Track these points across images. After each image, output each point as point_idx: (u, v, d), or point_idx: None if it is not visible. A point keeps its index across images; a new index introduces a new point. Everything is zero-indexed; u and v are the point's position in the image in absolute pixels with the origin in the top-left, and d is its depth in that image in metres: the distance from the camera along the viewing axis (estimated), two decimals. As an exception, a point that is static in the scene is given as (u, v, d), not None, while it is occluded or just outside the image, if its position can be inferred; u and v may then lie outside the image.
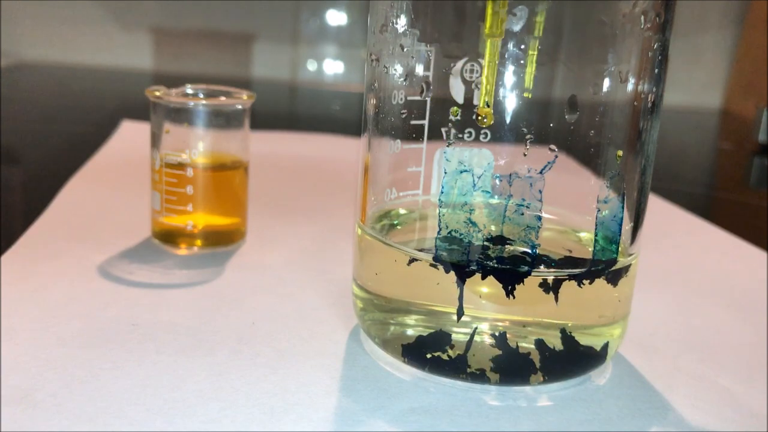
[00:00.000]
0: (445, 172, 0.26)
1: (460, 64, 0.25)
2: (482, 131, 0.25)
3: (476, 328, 0.26)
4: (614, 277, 0.26)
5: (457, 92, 0.25)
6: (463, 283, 0.25)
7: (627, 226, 0.27)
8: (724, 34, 1.21)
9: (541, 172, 0.25)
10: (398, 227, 0.29)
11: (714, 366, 0.29)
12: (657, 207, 0.55)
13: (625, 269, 0.27)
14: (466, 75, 0.25)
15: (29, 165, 0.58)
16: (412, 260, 0.26)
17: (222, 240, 0.39)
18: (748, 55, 1.17)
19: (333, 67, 1.20)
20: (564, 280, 0.25)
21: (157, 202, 0.38)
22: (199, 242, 0.38)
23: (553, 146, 0.25)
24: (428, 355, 0.26)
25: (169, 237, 0.38)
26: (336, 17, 1.18)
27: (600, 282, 0.26)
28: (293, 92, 1.16)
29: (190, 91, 0.38)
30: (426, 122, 0.27)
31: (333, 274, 0.36)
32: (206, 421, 0.23)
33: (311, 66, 1.20)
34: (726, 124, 1.16)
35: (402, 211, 0.30)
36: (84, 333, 0.28)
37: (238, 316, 0.31)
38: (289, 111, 1.04)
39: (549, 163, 0.25)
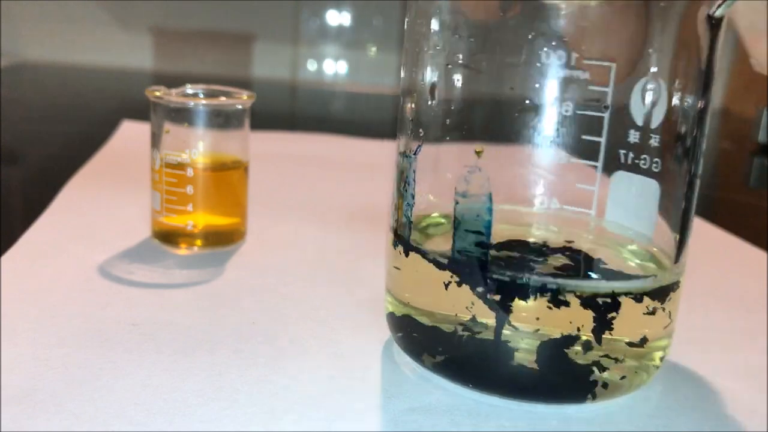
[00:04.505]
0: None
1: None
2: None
3: (517, 342, 0.24)
4: (663, 293, 0.25)
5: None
6: (501, 295, 0.24)
7: (673, 241, 0.26)
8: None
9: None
10: (434, 236, 0.28)
11: (714, 366, 0.29)
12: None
13: (674, 285, 0.26)
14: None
15: (29, 165, 0.58)
16: (450, 273, 0.25)
17: (222, 240, 0.39)
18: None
19: (333, 67, 1.20)
20: (612, 296, 0.24)
21: (157, 202, 0.38)
22: (199, 242, 0.38)
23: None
24: (469, 371, 0.25)
25: (169, 237, 0.38)
26: (336, 17, 1.18)
27: (647, 299, 0.25)
28: (293, 92, 1.16)
29: (190, 91, 0.38)
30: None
31: (333, 273, 0.36)
32: (206, 421, 0.23)
33: (311, 66, 1.20)
34: (726, 124, 1.16)
35: (438, 219, 0.29)
36: (84, 333, 0.28)
37: (238, 316, 0.31)
38: (289, 111, 1.04)
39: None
